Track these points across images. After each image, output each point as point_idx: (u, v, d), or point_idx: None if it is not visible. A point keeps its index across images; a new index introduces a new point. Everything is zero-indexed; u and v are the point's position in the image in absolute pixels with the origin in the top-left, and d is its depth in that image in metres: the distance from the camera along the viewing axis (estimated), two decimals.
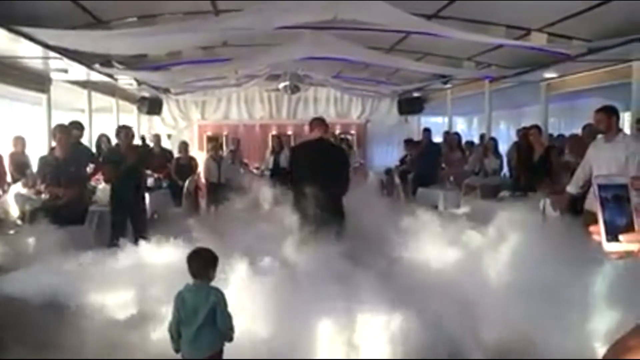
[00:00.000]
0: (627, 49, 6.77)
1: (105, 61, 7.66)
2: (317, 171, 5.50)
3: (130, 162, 6.50)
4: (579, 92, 9.71)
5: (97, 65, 7.57)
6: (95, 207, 7.34)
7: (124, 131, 6.80)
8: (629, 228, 1.09)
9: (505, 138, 13.32)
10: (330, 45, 7.82)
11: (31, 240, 5.24)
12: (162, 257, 4.69)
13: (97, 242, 6.18)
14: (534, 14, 6.67)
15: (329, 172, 5.57)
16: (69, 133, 6.23)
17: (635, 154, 5.21)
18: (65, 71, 7.69)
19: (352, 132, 15.51)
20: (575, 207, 5.84)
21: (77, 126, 7.18)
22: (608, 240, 1.09)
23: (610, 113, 5.49)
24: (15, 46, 6.28)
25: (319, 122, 6.24)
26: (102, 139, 8.71)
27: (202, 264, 3.23)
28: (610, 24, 6.41)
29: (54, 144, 5.97)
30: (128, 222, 6.55)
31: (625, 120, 8.55)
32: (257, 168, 13.17)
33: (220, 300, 3.16)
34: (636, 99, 7.72)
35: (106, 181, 6.93)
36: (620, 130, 5.54)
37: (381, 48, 8.77)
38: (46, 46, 5.85)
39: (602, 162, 5.49)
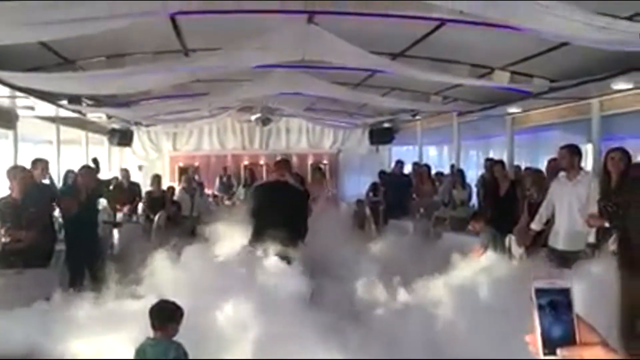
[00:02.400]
0: (586, 87, 7.03)
1: (74, 98, 7.61)
2: (273, 212, 5.49)
3: (83, 197, 6.42)
4: (543, 126, 9.98)
5: (65, 103, 7.51)
6: (63, 245, 7.19)
7: (83, 170, 6.78)
8: (570, 341, 0.94)
9: (476, 165, 13.57)
10: (300, 82, 7.96)
11: None
12: (120, 304, 4.58)
13: (64, 284, 6.03)
14: (497, 54, 6.88)
15: (284, 214, 5.50)
16: (26, 173, 6.13)
17: (595, 193, 5.37)
18: (32, 108, 7.62)
19: (325, 161, 15.61)
20: (539, 242, 5.98)
21: (38, 164, 7.11)
22: (545, 354, 0.95)
23: (572, 152, 5.67)
24: None
25: (279, 164, 6.32)
26: (70, 174, 8.58)
27: (164, 317, 3.18)
28: (570, 64, 6.64)
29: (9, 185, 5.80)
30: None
31: (589, 153, 8.81)
32: (230, 199, 13.13)
33: (180, 357, 3.11)
34: (596, 134, 7.98)
35: (63, 217, 6.83)
36: (581, 168, 5.71)
37: (349, 84, 8.92)
38: (13, 87, 5.79)
39: (564, 200, 5.65)
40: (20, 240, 5.57)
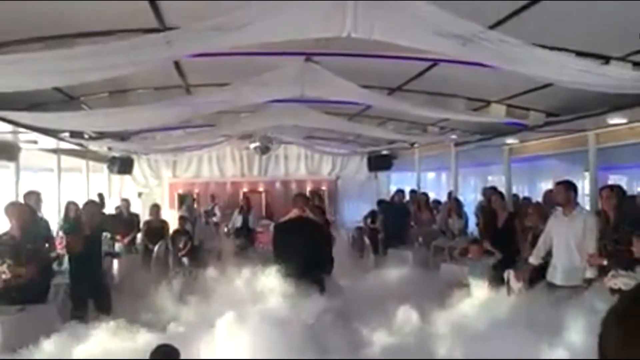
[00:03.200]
0: (582, 121, 7.14)
1: (76, 132, 7.71)
2: (296, 250, 5.54)
3: (87, 232, 6.47)
4: (540, 157, 10.08)
5: (66, 135, 7.60)
6: (61, 278, 7.19)
7: (88, 205, 6.84)
8: None
9: (474, 190, 13.63)
10: (298, 114, 8.07)
11: None
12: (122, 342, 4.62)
13: (63, 319, 6.04)
14: (493, 88, 7.00)
15: (308, 251, 5.59)
16: (24, 209, 6.19)
17: (592, 229, 5.44)
18: (35, 142, 7.71)
19: (323, 188, 15.68)
20: (537, 277, 6.02)
21: (31, 196, 7.16)
22: None
23: (568, 187, 5.75)
24: None
25: (297, 199, 6.36)
26: (70, 206, 8.64)
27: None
28: (566, 97, 6.74)
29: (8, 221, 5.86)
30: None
31: (586, 180, 8.88)
32: (227, 225, 13.15)
33: None
34: (592, 165, 8.07)
35: (68, 253, 6.88)
36: (577, 204, 5.78)
37: (345, 114, 9.03)
38: (17, 124, 5.89)
39: (561, 236, 5.71)
40: (20, 276, 5.59)
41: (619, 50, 5.03)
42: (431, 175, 16.86)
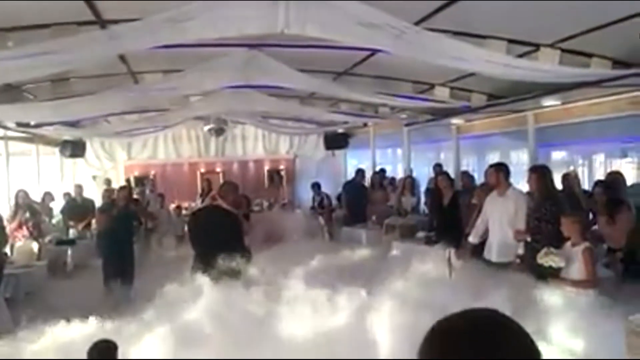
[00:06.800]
0: (522, 102, 7.45)
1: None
2: (207, 239, 5.49)
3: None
4: (487, 134, 10.44)
5: (13, 125, 7.47)
6: (14, 268, 7.16)
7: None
8: None
9: (428, 166, 14.01)
10: (249, 99, 8.11)
11: None
12: None
13: (11, 309, 6.06)
14: (436, 72, 7.20)
15: (218, 240, 5.43)
16: None
17: (522, 208, 5.75)
18: None
19: (282, 167, 15.78)
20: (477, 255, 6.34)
21: None
22: None
23: (498, 170, 6.04)
24: None
25: (221, 187, 6.21)
26: (20, 194, 8.52)
27: (109, 356, 3.29)
28: (505, 80, 7.01)
29: None
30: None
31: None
32: (187, 209, 13.11)
33: None
34: (531, 144, 8.45)
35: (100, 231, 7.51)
36: (510, 184, 6.08)
37: (297, 97, 9.13)
38: None
39: (495, 215, 6.03)
40: None
41: (547, 38, 5.31)
42: (389, 151, 17.23)
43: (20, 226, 8.29)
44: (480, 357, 0.96)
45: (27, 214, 8.42)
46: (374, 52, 5.65)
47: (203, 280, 5.04)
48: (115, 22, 4.26)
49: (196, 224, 5.85)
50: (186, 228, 6.67)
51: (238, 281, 5.15)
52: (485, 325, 1.01)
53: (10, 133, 8.50)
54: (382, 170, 12.97)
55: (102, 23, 4.38)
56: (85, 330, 4.38)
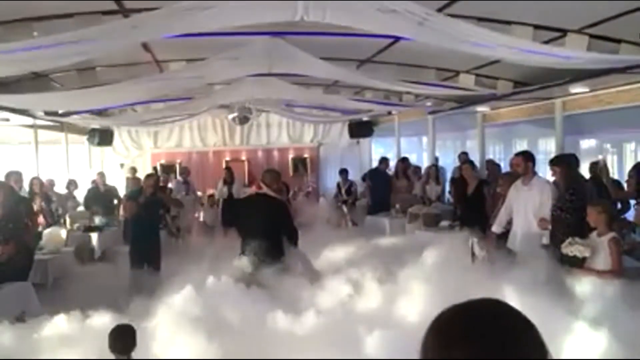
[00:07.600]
0: (549, 90, 7.28)
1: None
2: (254, 227, 5.57)
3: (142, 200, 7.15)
4: (514, 122, 10.26)
5: (41, 114, 7.63)
6: (42, 254, 7.32)
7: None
8: None
9: (454, 155, 13.86)
10: (272, 87, 8.11)
11: None
12: None
13: (40, 294, 6.18)
14: (461, 58, 7.08)
15: (271, 227, 5.58)
16: (6, 189, 6.25)
17: (549, 198, 5.65)
18: (7, 120, 7.72)
19: (306, 155, 15.78)
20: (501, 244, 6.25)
21: (11, 177, 7.21)
22: None
23: (526, 158, 5.93)
24: None
25: (264, 175, 6.16)
26: (34, 181, 8.64)
27: (128, 340, 3.34)
28: (532, 67, 6.88)
29: None
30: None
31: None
32: (211, 196, 13.22)
33: None
34: (559, 132, 8.26)
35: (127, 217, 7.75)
36: (535, 173, 5.97)
37: (321, 85, 9.09)
38: None
39: (520, 204, 5.93)
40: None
41: (575, 23, 5.16)
42: (414, 139, 17.10)
43: (36, 214, 8.41)
44: (484, 349, 0.95)
45: (43, 203, 8.54)
46: (396, 39, 5.58)
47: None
48: (138, 10, 4.31)
49: (245, 212, 5.94)
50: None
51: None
52: (489, 316, 1.00)
53: (39, 122, 8.66)
54: (405, 159, 12.87)
55: (125, 12, 4.42)
56: (108, 317, 4.43)
